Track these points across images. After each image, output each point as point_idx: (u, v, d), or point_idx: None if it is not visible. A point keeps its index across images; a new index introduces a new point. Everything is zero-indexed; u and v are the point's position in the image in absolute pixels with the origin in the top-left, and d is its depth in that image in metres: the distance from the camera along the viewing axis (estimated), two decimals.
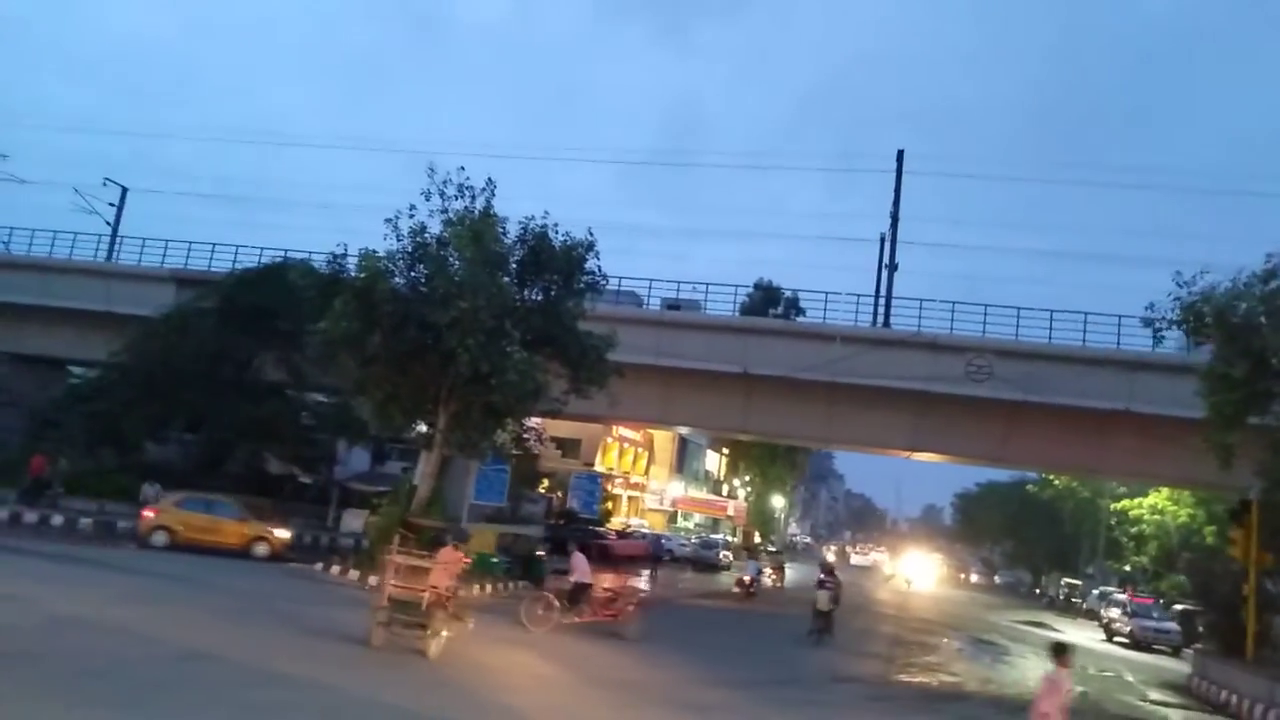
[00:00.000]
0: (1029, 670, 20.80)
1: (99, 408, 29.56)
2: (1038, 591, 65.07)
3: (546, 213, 22.43)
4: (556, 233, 22.51)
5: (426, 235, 21.07)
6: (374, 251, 20.24)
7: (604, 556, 36.87)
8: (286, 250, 31.72)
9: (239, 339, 28.16)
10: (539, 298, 22.25)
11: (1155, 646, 30.96)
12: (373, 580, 19.91)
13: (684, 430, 48.93)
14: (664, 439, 60.24)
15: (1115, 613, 34.38)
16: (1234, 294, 18.19)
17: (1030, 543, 69.10)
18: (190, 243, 33.88)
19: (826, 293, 30.33)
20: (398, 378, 20.67)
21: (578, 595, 17.25)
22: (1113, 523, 48.75)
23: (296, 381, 29.73)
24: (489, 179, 21.50)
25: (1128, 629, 32.03)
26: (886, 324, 29.42)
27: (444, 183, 21.14)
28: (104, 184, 42.98)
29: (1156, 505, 44.23)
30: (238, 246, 33.18)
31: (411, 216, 21.13)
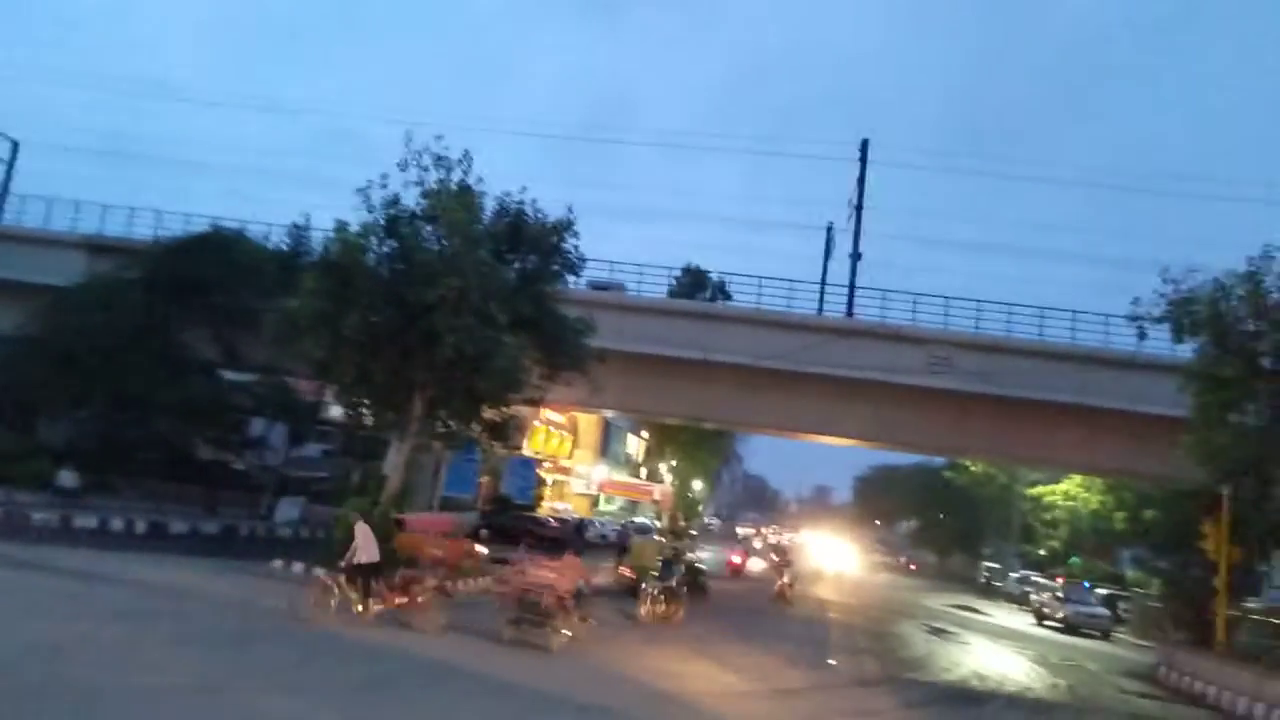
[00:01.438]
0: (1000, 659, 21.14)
1: (1, 383, 26.72)
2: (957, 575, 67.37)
3: (524, 188, 21.29)
4: (534, 210, 21.43)
5: (401, 207, 19.59)
6: (347, 224, 18.66)
7: (550, 544, 36.07)
8: (215, 217, 29.31)
9: (168, 312, 25.79)
10: (515, 278, 21.05)
11: (1085, 630, 32.18)
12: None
13: (646, 418, 48.05)
14: (588, 422, 59.37)
15: (1045, 597, 35.65)
16: (1216, 292, 18.73)
17: (935, 525, 71.66)
18: (105, 206, 31.02)
19: (760, 278, 30.28)
20: (369, 361, 19.15)
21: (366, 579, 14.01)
22: (1026, 508, 50.82)
23: (230, 360, 27.55)
24: (466, 151, 20.14)
25: (1060, 613, 33.22)
26: (850, 313, 29.39)
27: (419, 152, 19.63)
28: None
29: (1069, 492, 46.19)
30: (159, 211, 30.57)
31: (384, 187, 19.59)
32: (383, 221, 19.51)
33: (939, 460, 65.83)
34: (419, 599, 14.35)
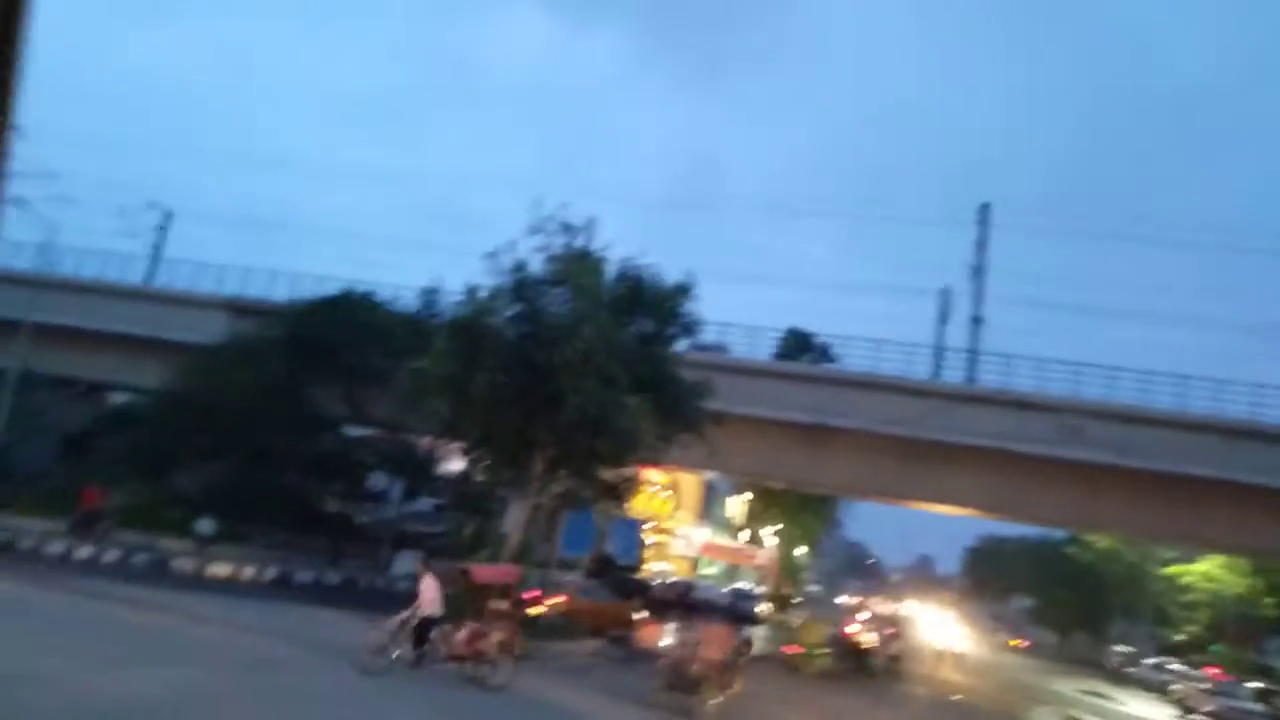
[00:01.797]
0: None
1: (145, 436, 28.40)
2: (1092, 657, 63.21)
3: (644, 252, 21.60)
4: (651, 274, 21.71)
5: (528, 272, 20.18)
6: (477, 288, 19.31)
7: (658, 607, 35.69)
8: (347, 281, 30.77)
9: (302, 371, 27.05)
10: (635, 340, 21.26)
11: None
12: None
13: (749, 480, 47.41)
14: (689, 482, 58.92)
15: (1191, 687, 33.06)
16: None
17: (1055, 603, 67.66)
18: (246, 269, 32.95)
19: (874, 341, 29.86)
20: (493, 419, 19.58)
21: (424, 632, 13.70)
22: (1159, 588, 47.53)
23: (356, 416, 28.60)
24: (589, 218, 20.68)
25: (1210, 707, 30.69)
26: (971, 379, 28.50)
27: (546, 219, 20.25)
28: (147, 208, 42.22)
29: (1209, 573, 43.05)
30: (295, 274, 32.29)
31: (511, 252, 20.25)
32: (510, 285, 20.14)
33: (1058, 533, 62.66)
34: (485, 653, 13.87)
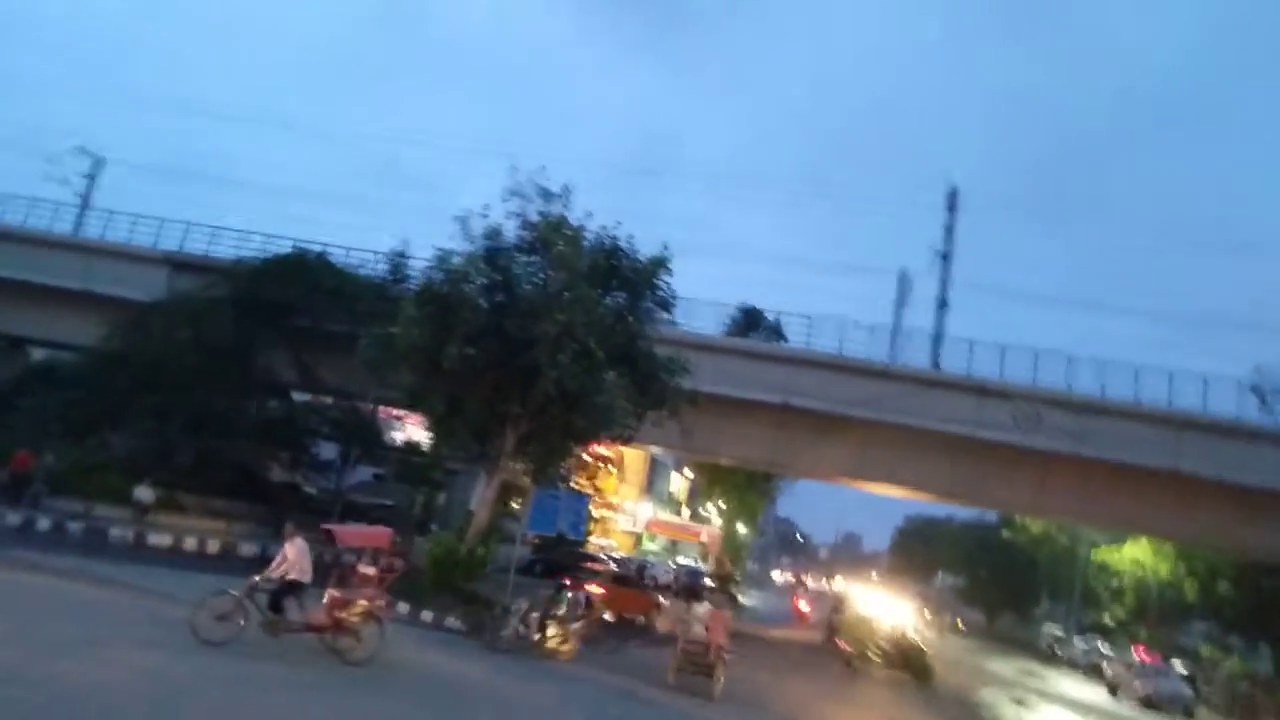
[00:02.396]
0: None
1: (77, 395, 26.77)
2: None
3: (619, 222, 20.84)
4: (629, 245, 21.06)
5: (502, 238, 19.36)
6: (451, 254, 18.44)
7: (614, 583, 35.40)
8: (298, 240, 29.35)
9: (252, 333, 25.72)
10: (611, 314, 20.61)
11: (1167, 708, 30.70)
12: (426, 615, 18.00)
13: (715, 460, 46.69)
14: (635, 458, 58.65)
15: (1122, 670, 34.12)
16: None
17: (985, 583, 69.62)
18: (188, 224, 31.19)
19: (813, 318, 29.76)
20: (463, 392, 18.81)
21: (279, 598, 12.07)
22: (1090, 571, 49.09)
23: (307, 382, 27.42)
24: (565, 185, 19.90)
25: (1140, 689, 31.71)
26: (935, 365, 28.63)
27: (522, 183, 19.43)
28: (77, 153, 39.81)
29: (1138, 558, 44.56)
30: (241, 232, 30.72)
31: (484, 217, 19.41)
32: (482, 252, 19.30)
33: (990, 515, 64.30)
34: (347, 623, 12.20)
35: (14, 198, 32.83)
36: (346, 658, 12.04)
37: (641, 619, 26.41)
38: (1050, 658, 45.90)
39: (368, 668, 11.90)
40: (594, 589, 25.75)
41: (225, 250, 30.77)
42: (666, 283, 20.98)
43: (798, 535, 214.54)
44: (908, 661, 23.93)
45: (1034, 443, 26.80)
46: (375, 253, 29.28)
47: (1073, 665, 42.60)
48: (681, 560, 56.88)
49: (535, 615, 16.86)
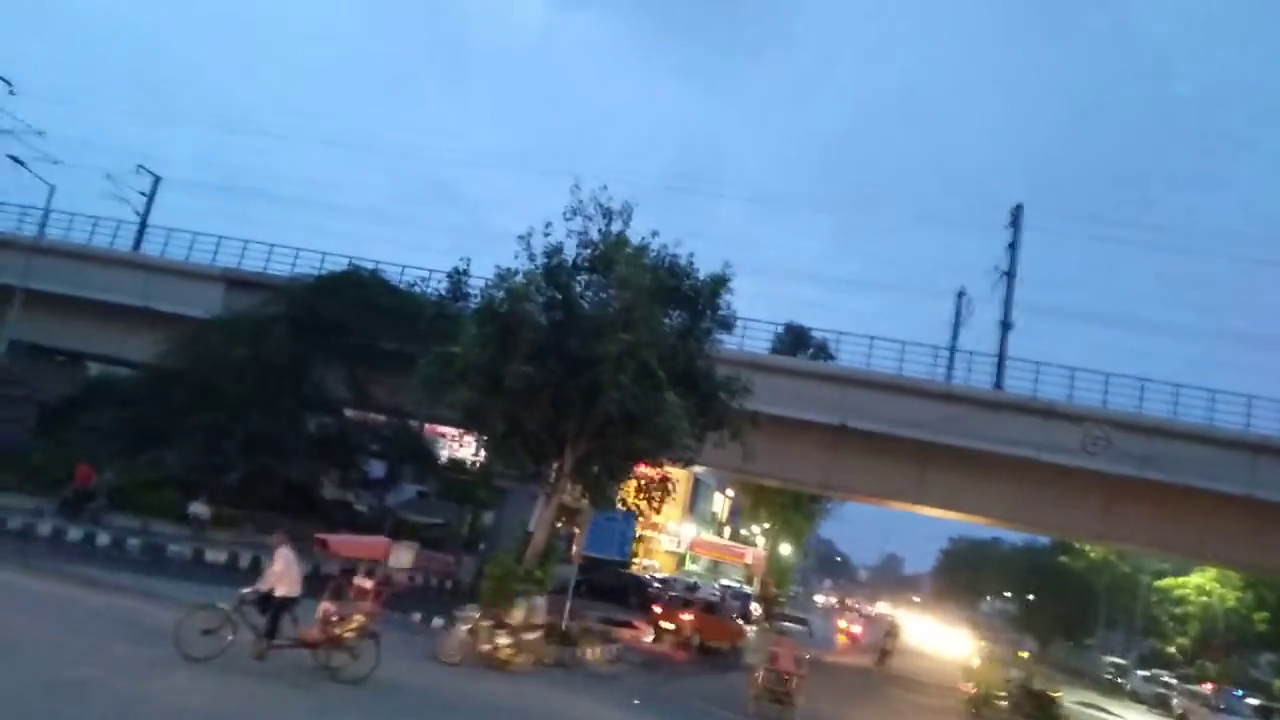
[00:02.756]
0: None
1: (135, 411, 27.02)
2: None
3: (679, 240, 20.46)
4: (689, 264, 20.70)
5: (563, 257, 19.15)
6: (513, 272, 18.25)
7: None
8: (353, 258, 29.48)
9: (309, 350, 25.79)
10: (673, 334, 20.24)
11: None
12: (486, 646, 17.70)
13: (768, 482, 46.13)
14: (677, 477, 58.06)
15: (1192, 703, 32.82)
16: None
17: (1037, 609, 67.86)
18: (246, 242, 31.47)
19: (873, 339, 29.08)
20: (523, 412, 18.55)
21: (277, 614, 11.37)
22: (1153, 600, 47.51)
23: (360, 400, 27.42)
24: (626, 202, 19.64)
25: None
26: (998, 386, 27.90)
27: (584, 201, 19.18)
28: (136, 171, 40.51)
29: (1203, 586, 43.03)
30: (296, 249, 30.95)
31: (546, 235, 19.20)
32: (542, 270, 19.09)
33: (1043, 539, 62.68)
34: (342, 639, 11.54)
35: (77, 217, 33.40)
36: (339, 675, 11.34)
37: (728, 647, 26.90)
38: (1112, 689, 44.35)
39: (365, 686, 11.29)
40: (686, 617, 25.89)
41: (280, 267, 31.11)
42: (727, 302, 20.59)
43: (837, 557, 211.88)
44: (1039, 709, 22.04)
45: (1101, 466, 25.95)
46: (429, 271, 29.52)
47: (1135, 697, 41.10)
48: (725, 582, 56.24)
49: (486, 624, 15.91)
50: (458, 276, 19.67)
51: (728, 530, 70.63)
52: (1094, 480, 26.50)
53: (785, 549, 70.18)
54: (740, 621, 29.80)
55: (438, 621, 19.21)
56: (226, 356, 25.31)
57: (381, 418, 28.92)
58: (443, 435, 40.26)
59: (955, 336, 35.55)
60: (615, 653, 20.61)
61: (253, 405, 25.28)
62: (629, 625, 28.10)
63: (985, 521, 32.71)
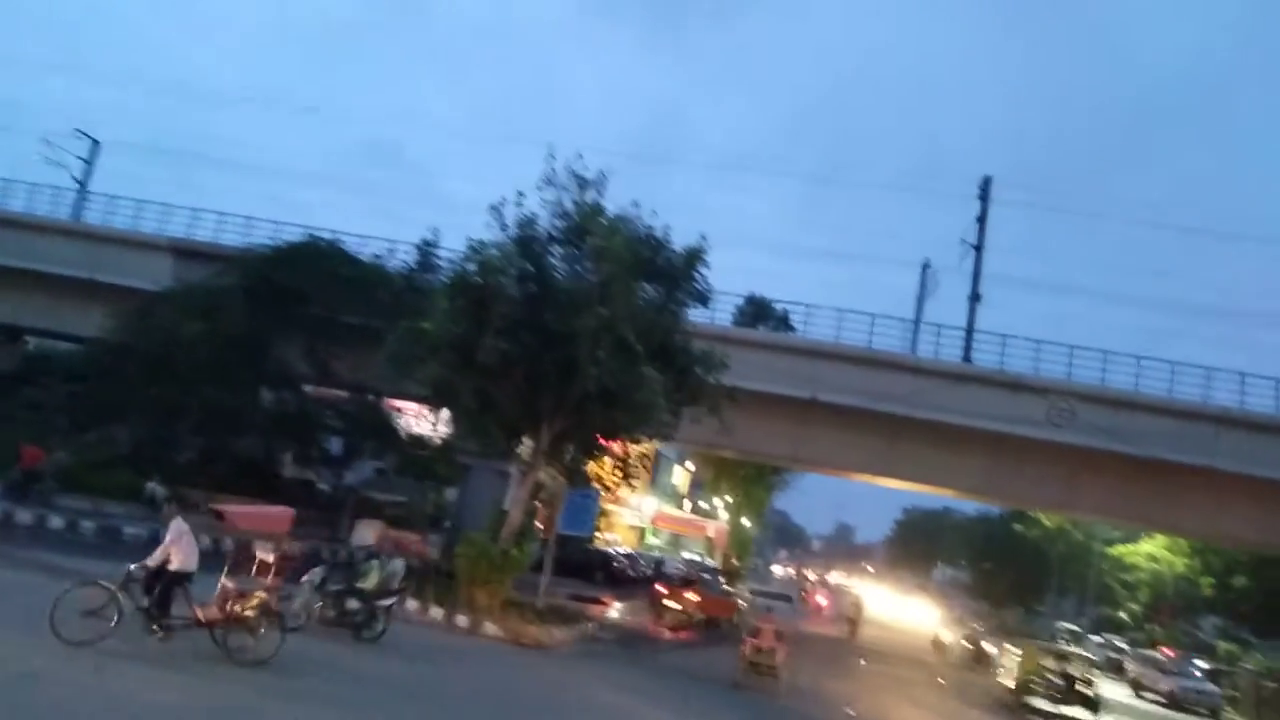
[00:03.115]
0: None
1: (83, 388, 25.87)
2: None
3: (654, 211, 19.94)
4: (664, 235, 20.24)
5: (537, 227, 18.56)
6: (484, 244, 17.62)
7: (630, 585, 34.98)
8: (308, 227, 28.38)
9: (266, 324, 24.81)
10: (649, 308, 19.78)
11: (1192, 707, 30.26)
12: (461, 620, 17.23)
13: (737, 456, 45.68)
14: (637, 451, 57.90)
15: (1146, 668, 33.66)
16: None
17: (990, 576, 69.38)
18: (195, 210, 30.21)
19: (874, 316, 28.99)
20: (497, 388, 18.01)
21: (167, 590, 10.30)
22: (1104, 567, 48.72)
23: (321, 376, 26.53)
24: (600, 171, 19.07)
25: (1165, 687, 31.27)
26: (967, 359, 27.97)
27: (556, 170, 18.58)
28: (74, 135, 38.68)
29: (1154, 553, 44.18)
30: (248, 218, 29.78)
31: (519, 206, 18.59)
32: (515, 242, 18.50)
33: (995, 509, 63.91)
34: (243, 618, 10.58)
35: (14, 183, 31.73)
36: (238, 657, 10.35)
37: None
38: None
39: (269, 670, 10.30)
40: (691, 596, 26.16)
41: (232, 238, 29.92)
42: (703, 275, 20.19)
43: (792, 528, 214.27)
44: (1080, 695, 21.76)
45: (1067, 438, 26.20)
46: (390, 242, 28.60)
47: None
48: (687, 556, 56.35)
49: (333, 588, 13.82)
50: (426, 248, 18.92)
51: (688, 503, 70.79)
52: (1059, 452, 26.74)
53: (745, 522, 70.71)
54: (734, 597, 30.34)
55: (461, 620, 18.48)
56: (178, 329, 24.22)
57: (342, 393, 28.05)
58: (400, 411, 39.39)
59: (920, 309, 35.57)
60: (592, 630, 20.32)
61: (207, 380, 24.28)
62: (598, 601, 27.89)
63: (953, 494, 33.00)
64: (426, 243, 19.04)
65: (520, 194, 18.46)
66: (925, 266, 36.68)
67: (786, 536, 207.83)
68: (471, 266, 17.60)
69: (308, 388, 29.77)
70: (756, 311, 47.30)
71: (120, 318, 26.24)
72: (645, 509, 59.93)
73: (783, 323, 43.26)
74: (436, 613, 17.66)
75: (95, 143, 39.09)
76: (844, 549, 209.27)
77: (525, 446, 20.14)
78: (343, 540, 27.40)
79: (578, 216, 18.29)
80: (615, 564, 36.58)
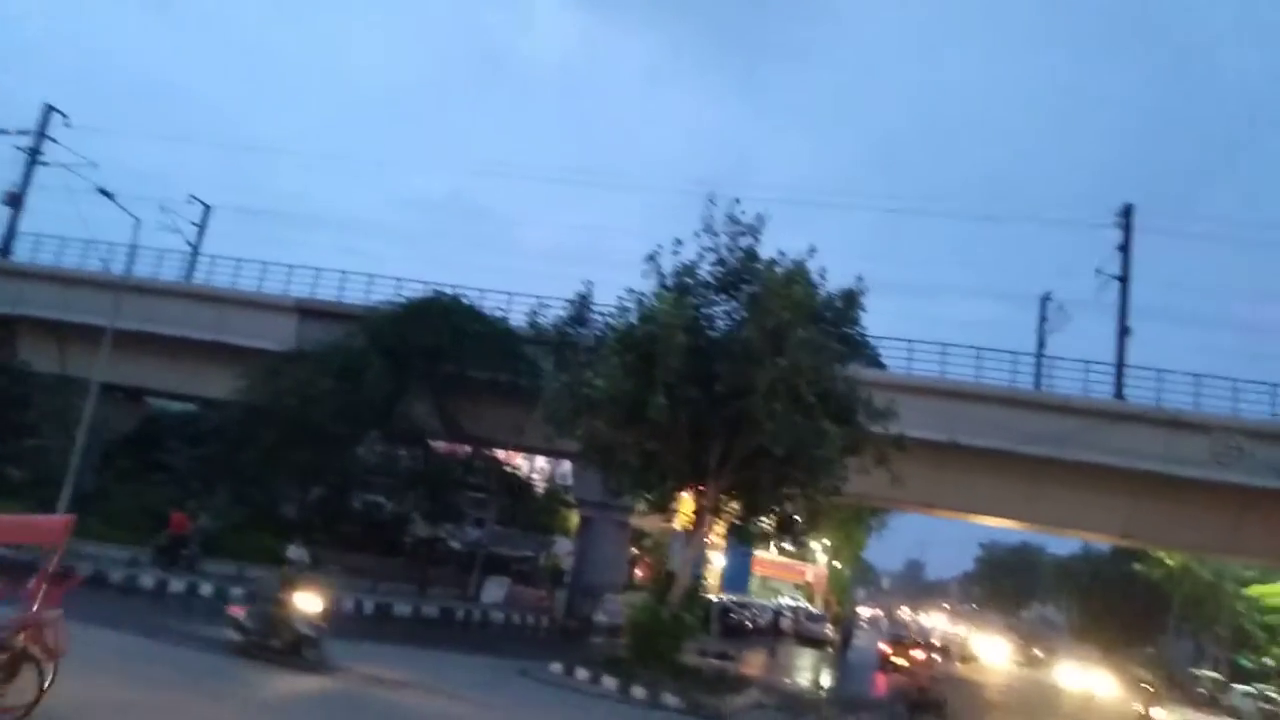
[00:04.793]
0: None
1: (221, 451, 25.93)
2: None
3: (812, 250, 19.03)
4: (821, 280, 19.43)
5: (699, 275, 18.04)
6: (652, 296, 17.14)
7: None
8: (431, 284, 28.36)
9: (400, 382, 24.62)
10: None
11: None
12: (638, 692, 16.41)
13: (874, 503, 44.23)
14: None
15: None
16: None
17: (1099, 617, 66.16)
18: (316, 270, 30.46)
19: (944, 344, 27.94)
20: (664, 445, 17.37)
21: None
22: (1240, 609, 45.85)
23: (451, 432, 26.27)
24: (758, 215, 18.51)
25: None
26: (1119, 396, 26.60)
27: (713, 218, 18.10)
28: (187, 201, 39.61)
29: None
30: (370, 276, 29.91)
31: (675, 253, 18.12)
32: (674, 291, 17.96)
33: (1102, 546, 61.03)
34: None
35: (139, 249, 32.34)
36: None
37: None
38: (1210, 704, 42.66)
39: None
40: (919, 655, 25.72)
41: (353, 296, 30.08)
42: (859, 319, 19.43)
43: (865, 566, 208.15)
44: None
45: (1234, 478, 24.61)
46: (508, 294, 28.47)
47: (1236, 714, 39.34)
48: (787, 602, 54.74)
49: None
50: (581, 302, 18.52)
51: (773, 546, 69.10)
52: (1224, 493, 25.12)
53: (836, 564, 68.76)
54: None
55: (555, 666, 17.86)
56: (314, 390, 24.14)
57: (466, 447, 27.73)
58: (507, 463, 39.01)
59: (1041, 344, 34.32)
60: (757, 695, 19.30)
61: (343, 441, 24.17)
62: (724, 656, 26.86)
63: (1099, 538, 31.35)
64: (581, 296, 18.59)
65: (677, 241, 18.03)
66: (1045, 299, 35.45)
67: (860, 576, 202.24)
68: (633, 319, 17.16)
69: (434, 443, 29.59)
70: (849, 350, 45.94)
71: (250, 378, 26.32)
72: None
73: (874, 361, 42.03)
74: (610, 682, 16.88)
75: (206, 207, 40.02)
76: (914, 586, 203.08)
77: (677, 501, 19.44)
78: (473, 598, 26.96)
79: (739, 263, 17.75)
80: (731, 614, 35.29)
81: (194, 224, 39.87)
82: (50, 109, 33.16)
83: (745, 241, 18.43)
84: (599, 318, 18.88)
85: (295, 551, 23.28)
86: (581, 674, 17.35)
